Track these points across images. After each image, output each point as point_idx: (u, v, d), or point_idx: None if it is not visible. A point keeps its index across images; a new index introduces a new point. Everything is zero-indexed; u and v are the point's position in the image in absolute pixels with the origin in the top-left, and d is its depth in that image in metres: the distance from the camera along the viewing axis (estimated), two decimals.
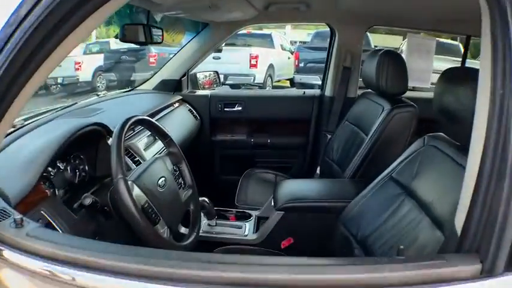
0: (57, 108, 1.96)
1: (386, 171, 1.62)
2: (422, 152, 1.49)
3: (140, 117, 1.46)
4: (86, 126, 1.47)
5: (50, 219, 1.20)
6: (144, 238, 1.25)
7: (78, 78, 9.69)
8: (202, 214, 1.88)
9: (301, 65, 9.96)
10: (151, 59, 9.66)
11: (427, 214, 1.31)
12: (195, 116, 2.81)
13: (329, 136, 2.64)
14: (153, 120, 1.57)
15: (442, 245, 1.04)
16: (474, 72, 1.29)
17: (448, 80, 1.29)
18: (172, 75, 2.85)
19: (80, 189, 1.46)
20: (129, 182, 1.28)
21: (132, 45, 9.36)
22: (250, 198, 2.30)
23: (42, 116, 1.76)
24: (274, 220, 1.83)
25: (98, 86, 9.69)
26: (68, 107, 2.02)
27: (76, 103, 2.12)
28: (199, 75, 3.02)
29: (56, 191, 1.35)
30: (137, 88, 2.88)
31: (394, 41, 9.73)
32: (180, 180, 1.58)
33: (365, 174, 2.04)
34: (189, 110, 2.80)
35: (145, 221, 1.24)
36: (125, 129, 1.34)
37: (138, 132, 1.89)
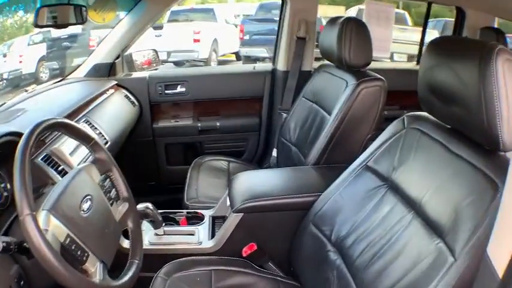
0: None
1: (360, 159, 1.39)
2: (404, 136, 1.26)
3: (51, 121, 1.11)
4: None
5: None
6: (70, 287, 0.95)
7: (21, 71, 9.26)
8: (147, 222, 1.58)
9: (247, 37, 9.84)
10: (91, 43, 9.19)
11: (417, 213, 1.08)
12: (132, 102, 2.47)
13: (284, 115, 2.39)
14: (67, 121, 1.21)
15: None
16: (471, 43, 1.07)
17: (442, 51, 1.05)
18: (106, 58, 2.48)
19: (1, 214, 1.15)
20: (43, 213, 0.96)
21: (73, 31, 9.07)
22: (202, 194, 2.01)
23: None
24: (231, 224, 1.54)
25: (42, 77, 9.28)
26: None
27: (5, 103, 1.77)
28: (136, 56, 2.67)
29: None
30: (68, 77, 2.49)
31: (337, 11, 9.70)
32: (113, 192, 1.25)
33: (330, 159, 1.82)
34: (125, 96, 2.45)
35: (66, 266, 0.92)
36: (30, 144, 1.00)
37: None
